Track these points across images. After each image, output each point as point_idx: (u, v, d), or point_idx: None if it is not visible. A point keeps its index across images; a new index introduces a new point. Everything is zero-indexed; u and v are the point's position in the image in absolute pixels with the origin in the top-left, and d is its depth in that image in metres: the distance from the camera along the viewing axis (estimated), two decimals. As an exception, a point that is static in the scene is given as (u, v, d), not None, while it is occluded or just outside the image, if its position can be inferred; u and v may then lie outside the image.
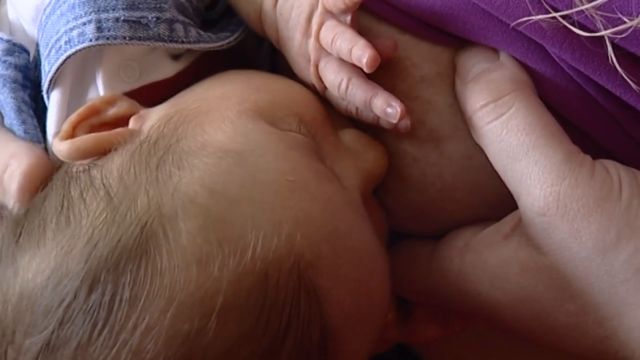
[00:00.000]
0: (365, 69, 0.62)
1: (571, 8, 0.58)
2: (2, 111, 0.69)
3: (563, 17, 0.59)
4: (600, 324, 0.60)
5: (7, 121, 0.69)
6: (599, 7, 0.57)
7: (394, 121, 0.63)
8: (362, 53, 0.62)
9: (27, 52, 0.70)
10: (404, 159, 0.67)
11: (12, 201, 0.63)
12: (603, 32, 0.58)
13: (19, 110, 0.68)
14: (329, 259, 0.57)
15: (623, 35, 0.57)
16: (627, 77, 0.58)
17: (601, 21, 0.58)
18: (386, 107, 0.63)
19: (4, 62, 0.69)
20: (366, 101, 0.64)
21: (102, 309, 0.53)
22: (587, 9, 0.57)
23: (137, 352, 0.52)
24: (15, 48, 0.69)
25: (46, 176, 0.63)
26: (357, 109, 0.66)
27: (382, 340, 0.66)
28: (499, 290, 0.63)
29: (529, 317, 0.62)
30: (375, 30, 0.66)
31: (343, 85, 0.65)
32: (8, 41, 0.69)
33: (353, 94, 0.64)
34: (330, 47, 0.64)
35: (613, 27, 0.58)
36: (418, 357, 0.80)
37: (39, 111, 0.69)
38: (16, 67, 0.69)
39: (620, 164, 0.62)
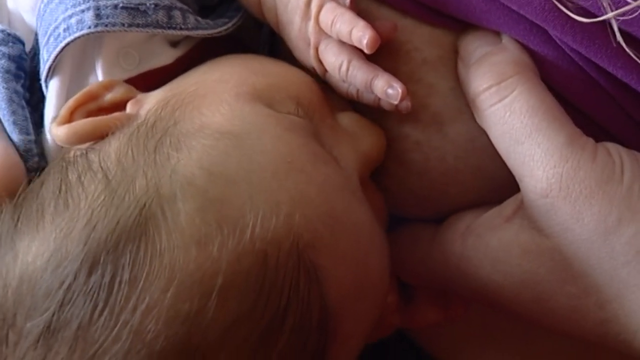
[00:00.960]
0: (365, 50, 0.62)
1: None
2: None
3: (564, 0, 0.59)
4: (601, 307, 0.60)
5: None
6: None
7: (395, 102, 0.63)
8: (362, 34, 0.62)
9: (22, 43, 0.70)
10: (406, 142, 0.67)
11: None
12: (606, 16, 0.58)
13: (10, 101, 0.67)
14: (327, 238, 0.57)
15: (627, 17, 0.57)
16: (634, 54, 0.58)
17: (607, 3, 0.58)
18: (387, 88, 0.63)
19: None
20: (367, 83, 0.64)
21: (102, 290, 0.53)
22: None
23: (138, 332, 0.52)
24: (9, 38, 0.69)
25: (12, 181, 0.63)
26: (357, 91, 0.66)
27: (383, 325, 0.66)
28: (501, 273, 0.63)
29: (530, 300, 0.62)
30: (375, 13, 0.66)
31: (343, 67, 0.64)
32: (2, 31, 0.69)
33: (354, 75, 0.64)
34: (330, 29, 0.64)
35: (616, 8, 0.58)
36: (416, 344, 0.80)
37: (34, 102, 0.69)
38: (9, 57, 0.68)
39: (622, 147, 0.62)
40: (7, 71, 0.68)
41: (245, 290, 0.53)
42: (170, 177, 0.56)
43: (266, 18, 0.70)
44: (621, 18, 0.58)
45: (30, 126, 0.67)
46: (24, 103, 0.68)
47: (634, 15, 0.57)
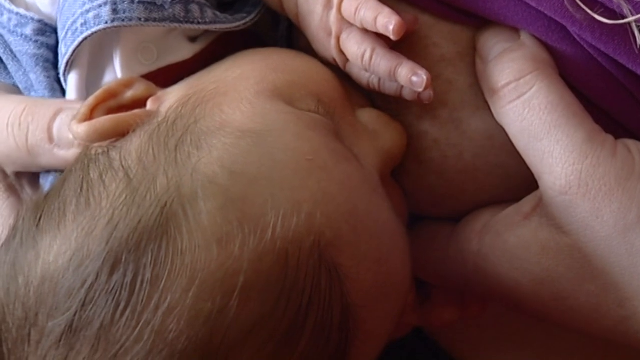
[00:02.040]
0: (391, 37, 0.62)
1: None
2: (28, 91, 0.70)
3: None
4: (621, 305, 0.60)
5: None
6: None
7: (420, 90, 0.63)
8: (388, 20, 0.62)
9: (57, 33, 0.70)
10: (424, 140, 0.67)
11: (65, 149, 0.64)
12: (627, 20, 0.58)
13: (53, 89, 0.68)
14: (348, 237, 0.57)
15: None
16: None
17: (628, 8, 0.58)
18: (412, 76, 0.63)
19: (36, 41, 0.69)
20: (391, 71, 0.63)
21: (124, 289, 0.53)
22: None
23: (160, 332, 0.52)
24: (47, 28, 0.69)
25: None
26: (379, 80, 0.66)
27: (400, 324, 0.66)
28: (519, 271, 0.63)
29: (549, 298, 0.62)
30: (395, 9, 0.65)
31: (367, 56, 0.64)
32: (40, 21, 0.69)
33: (377, 64, 0.64)
34: (354, 17, 0.64)
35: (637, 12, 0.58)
36: (434, 342, 0.80)
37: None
38: (48, 47, 0.69)
39: (642, 144, 0.61)
40: (47, 60, 0.69)
41: (266, 290, 0.53)
42: (192, 176, 0.56)
43: (285, 10, 0.70)
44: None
45: None
46: (63, 92, 0.69)
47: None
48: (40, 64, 0.68)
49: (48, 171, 0.68)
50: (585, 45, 0.62)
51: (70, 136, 0.64)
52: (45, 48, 0.69)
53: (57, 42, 0.69)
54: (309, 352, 0.55)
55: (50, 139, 0.65)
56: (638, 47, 0.58)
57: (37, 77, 0.69)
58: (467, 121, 0.65)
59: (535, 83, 0.62)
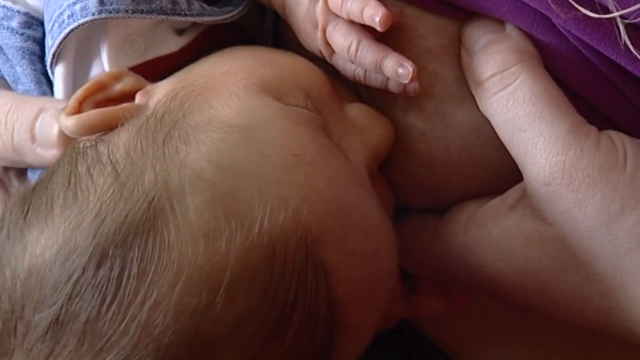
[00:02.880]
0: (378, 28, 0.62)
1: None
2: (16, 84, 0.70)
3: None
4: (604, 295, 0.61)
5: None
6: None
7: (406, 81, 0.63)
8: (374, 12, 0.62)
9: (43, 26, 0.70)
10: (410, 133, 0.67)
11: (47, 150, 0.64)
12: (614, 14, 0.58)
13: (39, 82, 0.68)
14: (335, 233, 0.57)
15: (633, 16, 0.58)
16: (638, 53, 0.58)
17: (613, 4, 0.58)
18: (398, 68, 0.63)
19: (22, 34, 0.69)
20: (377, 62, 0.64)
21: (110, 283, 0.53)
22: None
23: (146, 326, 0.52)
24: (33, 21, 0.69)
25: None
26: (365, 72, 0.66)
27: (387, 315, 0.66)
28: (504, 262, 0.63)
29: (533, 289, 0.63)
30: (381, 2, 0.66)
31: (353, 48, 0.64)
32: (26, 14, 0.69)
33: (363, 55, 0.64)
34: (340, 9, 0.64)
35: (622, 8, 0.58)
36: (420, 333, 0.80)
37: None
38: (34, 40, 0.69)
39: (625, 135, 0.62)
40: (33, 53, 0.69)
41: (253, 285, 0.54)
42: (179, 171, 0.56)
43: (272, 2, 0.70)
44: (627, 20, 0.58)
45: None
46: (49, 85, 0.69)
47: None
48: (27, 57, 0.68)
49: None
50: (569, 37, 0.62)
51: (52, 136, 0.64)
52: (31, 41, 0.69)
53: (44, 35, 0.69)
54: (295, 346, 0.55)
55: (33, 138, 0.65)
56: (623, 41, 0.59)
57: (23, 70, 0.69)
58: (453, 113, 0.66)
59: (520, 74, 0.62)
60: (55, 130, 0.64)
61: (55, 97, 0.68)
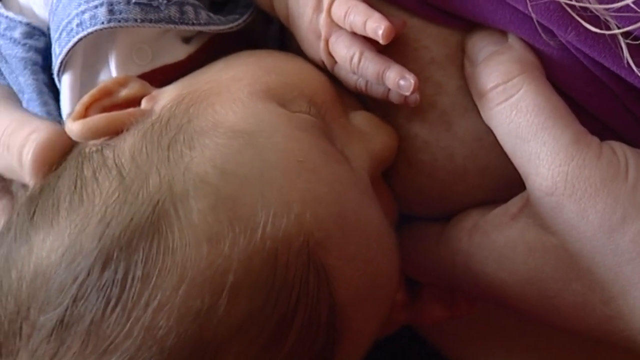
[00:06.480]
0: (380, 41, 0.62)
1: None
2: (22, 94, 0.70)
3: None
4: (606, 304, 0.61)
5: (27, 104, 0.70)
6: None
7: (407, 93, 0.63)
8: (377, 25, 0.62)
9: (46, 36, 0.71)
10: (414, 142, 0.67)
11: (27, 175, 0.64)
12: (615, 31, 0.59)
13: (41, 92, 0.69)
14: (337, 238, 0.57)
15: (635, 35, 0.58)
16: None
17: (614, 23, 0.58)
18: (399, 79, 0.63)
19: (24, 44, 0.69)
20: (379, 74, 0.64)
21: (115, 286, 0.53)
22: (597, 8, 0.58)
23: (150, 328, 0.53)
24: (35, 31, 0.70)
25: (63, 152, 0.63)
26: (367, 83, 0.66)
27: (389, 321, 0.66)
28: (506, 271, 0.63)
29: (536, 297, 0.63)
30: (384, 13, 0.66)
31: (355, 59, 0.65)
32: (28, 24, 0.70)
33: (365, 67, 0.64)
34: (344, 21, 0.64)
35: (622, 24, 0.58)
36: (424, 339, 0.81)
37: (58, 94, 0.70)
38: (36, 50, 0.69)
39: (627, 146, 0.62)
40: (35, 63, 0.69)
41: (255, 288, 0.54)
42: (184, 175, 0.56)
43: (276, 11, 0.70)
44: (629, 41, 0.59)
45: (61, 117, 0.68)
46: (52, 95, 0.69)
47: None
48: (29, 67, 0.69)
49: None
50: (571, 48, 0.62)
51: (25, 167, 0.64)
52: (33, 51, 0.69)
53: (46, 45, 0.70)
54: (297, 349, 0.55)
55: (21, 164, 0.65)
56: (625, 59, 0.59)
57: (25, 80, 0.69)
58: (457, 123, 0.66)
59: (523, 85, 0.62)
60: (28, 159, 0.64)
61: (62, 106, 0.68)
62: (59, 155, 0.63)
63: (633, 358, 0.62)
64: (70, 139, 0.64)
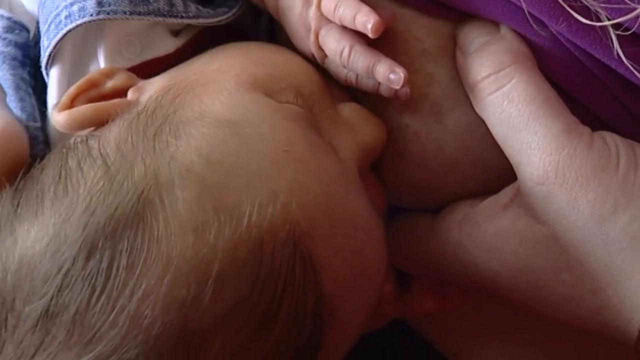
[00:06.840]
0: (370, 35, 0.62)
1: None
2: (2, 88, 0.70)
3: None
4: (596, 294, 0.61)
5: (8, 99, 0.69)
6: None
7: (397, 87, 0.63)
8: (366, 19, 0.62)
9: (27, 30, 0.71)
10: (405, 133, 0.67)
11: None
12: (606, 23, 0.59)
13: (17, 88, 0.68)
14: (323, 228, 0.57)
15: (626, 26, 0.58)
16: (631, 65, 0.59)
17: (605, 15, 0.58)
18: (389, 73, 0.63)
19: (4, 39, 0.69)
20: (368, 68, 0.64)
21: (100, 275, 0.53)
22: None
23: (135, 317, 0.53)
24: (16, 26, 0.70)
25: (13, 151, 0.63)
26: (357, 77, 0.66)
27: (379, 315, 0.67)
28: (497, 261, 0.63)
29: (526, 288, 0.63)
30: (375, 4, 0.66)
31: (345, 53, 0.65)
32: (9, 18, 0.70)
33: (355, 61, 0.64)
34: (333, 14, 0.64)
35: (613, 15, 0.58)
36: (414, 333, 0.80)
37: (39, 89, 0.70)
38: (16, 45, 0.69)
39: (618, 136, 0.62)
40: (14, 58, 0.69)
41: (241, 278, 0.54)
42: (169, 165, 0.56)
43: (266, 4, 0.70)
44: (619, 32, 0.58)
45: (37, 113, 0.68)
46: (30, 90, 0.69)
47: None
48: (7, 62, 0.68)
49: None
50: (562, 39, 0.62)
51: None
52: (12, 46, 0.69)
53: (26, 40, 0.70)
54: (283, 339, 0.55)
55: None
56: (615, 51, 0.59)
57: (3, 75, 0.68)
58: (448, 114, 0.66)
59: (514, 76, 0.62)
60: None
61: (48, 99, 0.68)
62: (7, 153, 0.63)
63: (622, 350, 0.61)
64: (23, 136, 0.64)
